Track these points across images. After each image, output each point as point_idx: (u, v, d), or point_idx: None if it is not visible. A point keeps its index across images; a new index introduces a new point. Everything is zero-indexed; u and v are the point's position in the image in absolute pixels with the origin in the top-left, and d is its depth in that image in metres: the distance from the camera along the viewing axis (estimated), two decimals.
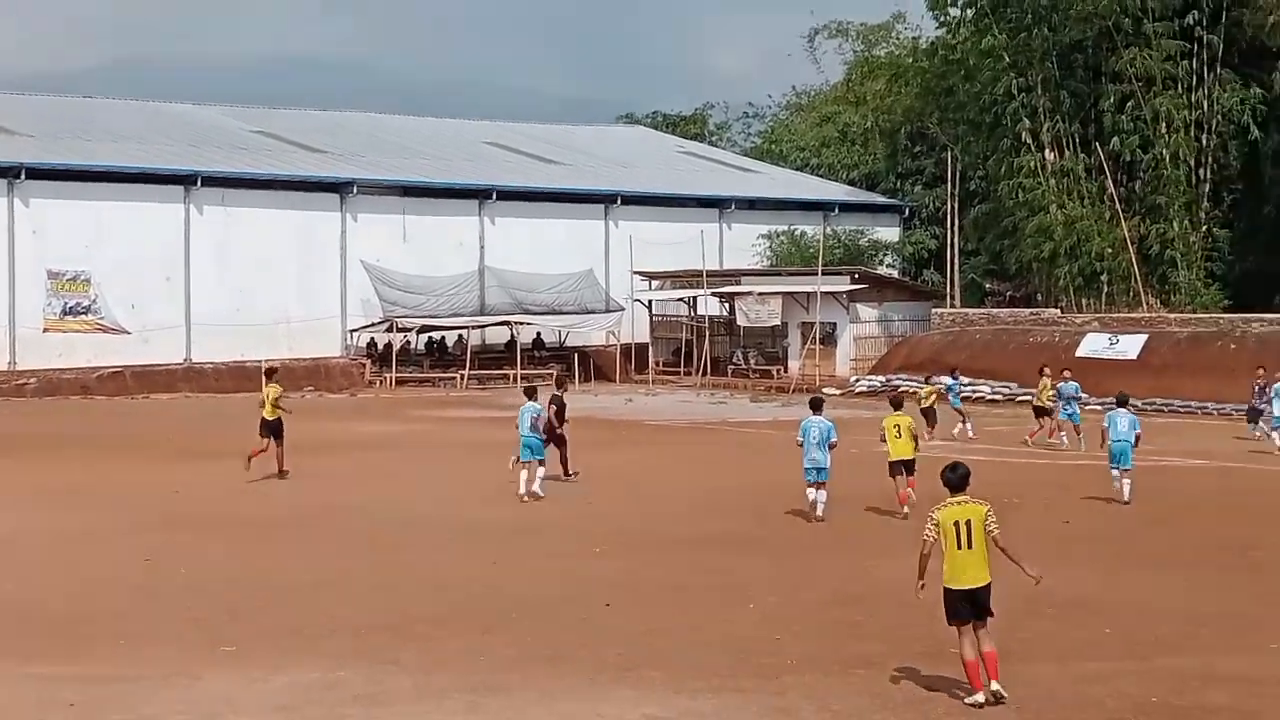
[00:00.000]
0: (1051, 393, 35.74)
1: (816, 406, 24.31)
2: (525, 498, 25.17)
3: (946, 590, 12.92)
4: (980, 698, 12.60)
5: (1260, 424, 36.03)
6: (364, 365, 59.82)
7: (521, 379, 58.12)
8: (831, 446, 23.21)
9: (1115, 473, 25.25)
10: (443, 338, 62.95)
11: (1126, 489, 24.92)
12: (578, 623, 15.76)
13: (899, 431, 24.03)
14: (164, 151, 60.56)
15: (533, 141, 77.10)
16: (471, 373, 58.74)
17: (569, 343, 64.23)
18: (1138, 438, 25.31)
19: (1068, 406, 34.45)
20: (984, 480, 26.61)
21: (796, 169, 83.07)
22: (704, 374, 58.63)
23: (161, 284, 56.72)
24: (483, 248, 63.91)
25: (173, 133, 64.56)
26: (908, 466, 24.03)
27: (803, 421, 23.87)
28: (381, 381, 58.14)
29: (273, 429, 28.81)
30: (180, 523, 23.04)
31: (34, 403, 49.91)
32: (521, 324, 61.77)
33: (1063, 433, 34.45)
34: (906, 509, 23.24)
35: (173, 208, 57.17)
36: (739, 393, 55.11)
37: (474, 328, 61.21)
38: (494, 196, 64.48)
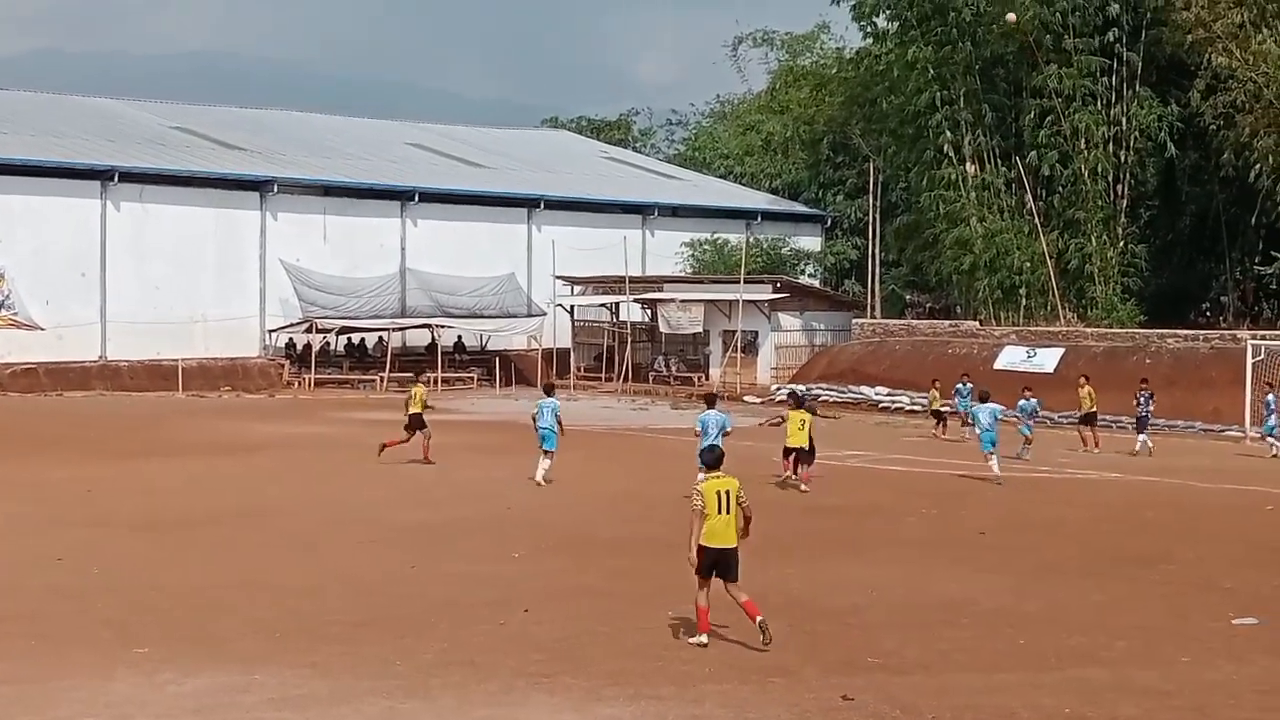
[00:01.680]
0: (941, 402, 40.58)
1: (711, 401, 27.87)
2: (540, 483, 27.69)
3: (703, 548, 14.95)
4: (704, 639, 14.86)
5: (1143, 435, 37.61)
6: (282, 366, 59.38)
7: (441, 382, 58.13)
8: (726, 434, 25.80)
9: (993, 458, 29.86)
10: (363, 339, 62.61)
11: (996, 465, 29.76)
12: (496, 628, 15.70)
13: (801, 424, 28.16)
14: (80, 145, 59.82)
15: (456, 144, 76.91)
16: (391, 375, 58.44)
17: (490, 346, 64.08)
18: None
19: (1026, 421, 35.20)
20: (899, 489, 26.84)
21: (720, 177, 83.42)
22: (626, 380, 58.67)
23: (76, 280, 56.06)
24: (404, 249, 63.65)
25: (90, 127, 63.81)
26: (801, 454, 28.18)
27: (700, 415, 26.93)
28: (300, 382, 57.75)
29: (418, 423, 31.58)
30: (94, 522, 22.74)
31: None
32: (443, 327, 61.56)
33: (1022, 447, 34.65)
34: (805, 486, 27.60)
35: (89, 203, 56.53)
36: (660, 399, 55.20)
37: (394, 330, 60.95)
38: (416, 198, 64.24)
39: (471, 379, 61.17)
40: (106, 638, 15.11)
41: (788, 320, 59.84)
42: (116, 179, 56.94)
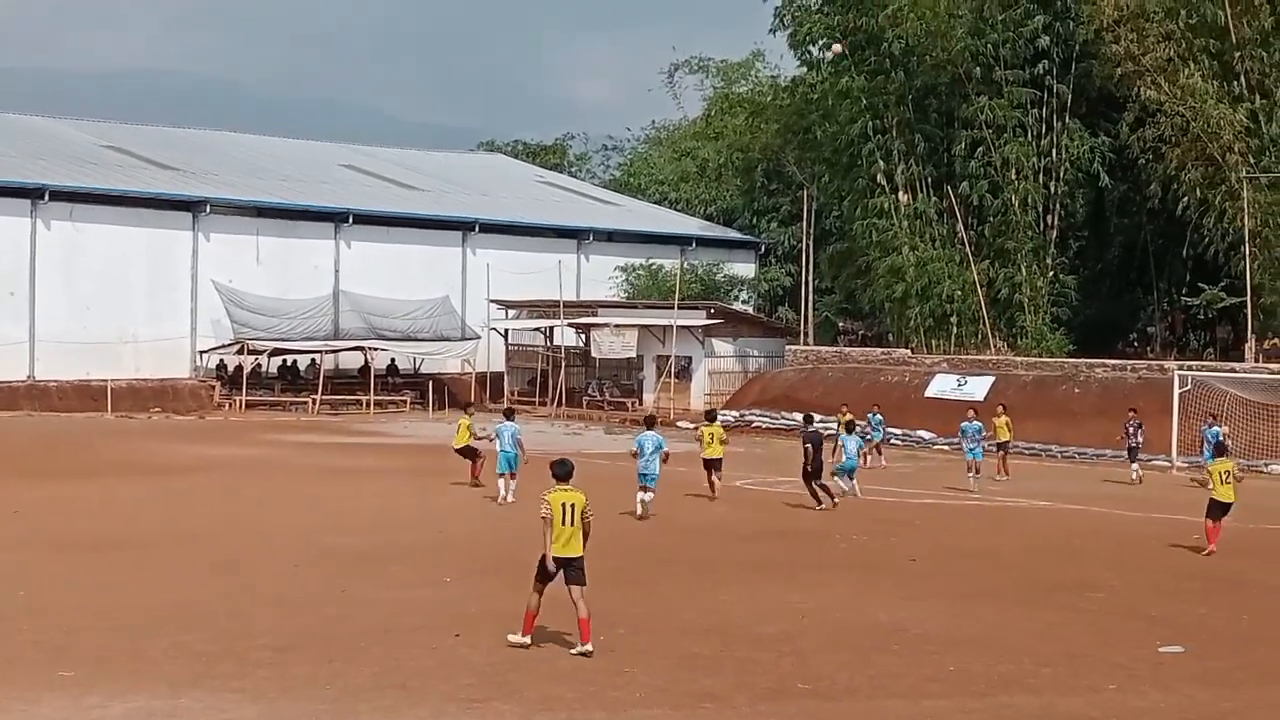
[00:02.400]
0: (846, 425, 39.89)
1: (650, 423, 29.93)
2: (504, 502, 28.78)
3: (546, 556, 15.79)
4: (526, 640, 15.72)
5: (1135, 464, 38.03)
6: (213, 387, 58.95)
7: (374, 405, 57.89)
8: (664, 459, 27.84)
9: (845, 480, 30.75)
10: (295, 361, 62.26)
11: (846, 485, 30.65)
12: (428, 652, 15.62)
13: (712, 438, 30.33)
14: (9, 163, 59.26)
15: (391, 166, 76.78)
16: (324, 397, 58.16)
17: (424, 370, 63.90)
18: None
19: (970, 444, 35.06)
20: (831, 515, 26.95)
21: (655, 202, 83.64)
22: (559, 404, 58.63)
23: (4, 299, 55.58)
24: (338, 271, 63.41)
25: (19, 144, 63.23)
26: (715, 465, 30.26)
27: (638, 435, 28.56)
28: (231, 404, 57.37)
29: (470, 454, 32.01)
30: (20, 544, 22.47)
31: None
32: (376, 350, 61.32)
33: (971, 473, 34.68)
34: (715, 494, 30.02)
35: (18, 221, 56.02)
36: (594, 424, 55.19)
37: (327, 352, 60.67)
38: (350, 220, 64.04)
39: (404, 402, 60.95)
40: (32, 660, 14.93)
41: (721, 346, 60.01)
42: (47, 197, 56.44)
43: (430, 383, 60.87)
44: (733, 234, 77.84)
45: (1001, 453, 37.97)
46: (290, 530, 24.89)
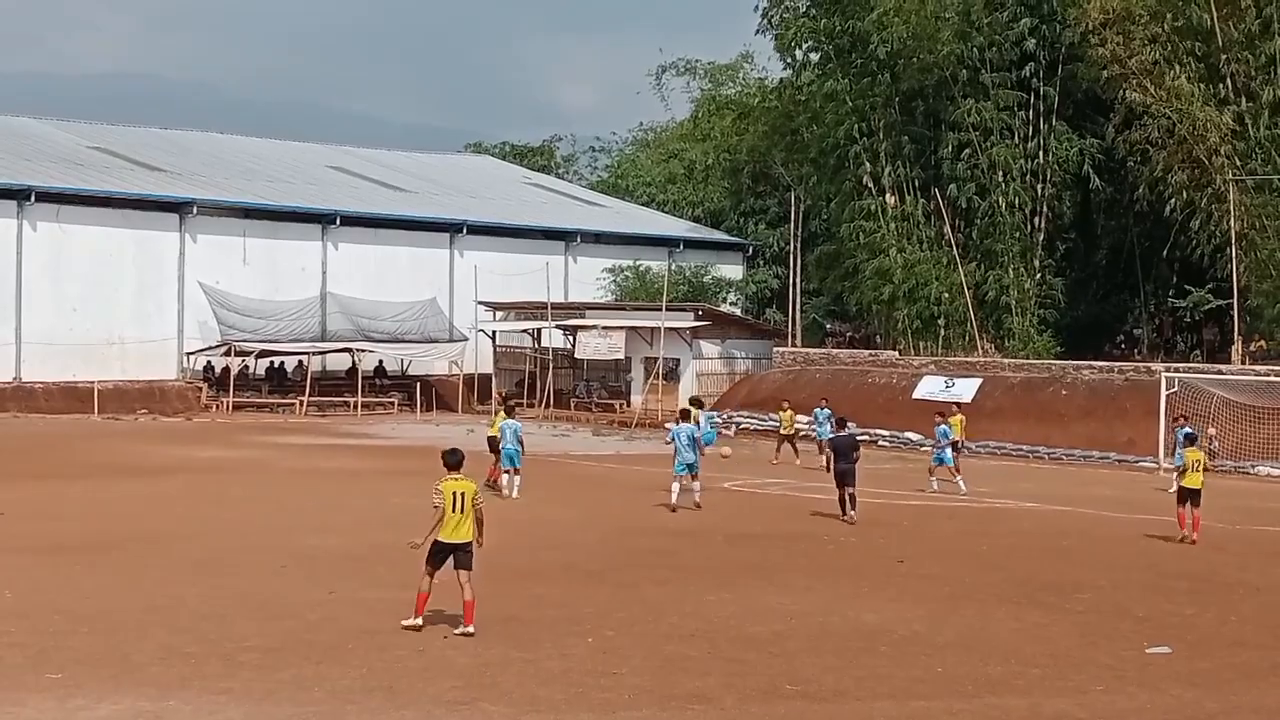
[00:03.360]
0: (789, 426, 41.04)
1: (685, 416, 30.52)
2: (507, 497, 29.69)
3: (437, 542, 16.52)
4: (419, 621, 16.50)
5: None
6: (200, 389, 58.85)
7: (362, 407, 57.83)
8: (703, 447, 29.40)
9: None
10: (282, 363, 62.16)
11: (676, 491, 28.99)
12: (414, 654, 15.60)
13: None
14: None
15: (378, 167, 76.70)
16: (311, 399, 58.09)
17: (411, 371, 63.86)
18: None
19: (944, 448, 34.38)
20: (819, 517, 26.94)
21: (642, 204, 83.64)
22: (547, 406, 58.59)
23: None
24: (325, 273, 63.32)
25: (6, 145, 63.08)
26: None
27: (674, 428, 29.42)
28: (218, 406, 57.27)
29: (496, 446, 31.38)
30: (5, 546, 22.40)
31: None
32: (363, 351, 61.24)
33: (932, 478, 34.24)
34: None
35: (4, 222, 55.94)
36: (581, 425, 55.17)
37: (314, 354, 60.60)
38: (338, 221, 63.96)
39: (392, 404, 60.88)
40: (18, 663, 14.88)
41: (709, 348, 60.01)
42: (33, 199, 56.32)
43: (418, 384, 60.80)
44: (720, 236, 77.86)
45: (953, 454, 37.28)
46: (276, 532, 24.85)
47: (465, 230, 67.78)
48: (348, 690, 14.04)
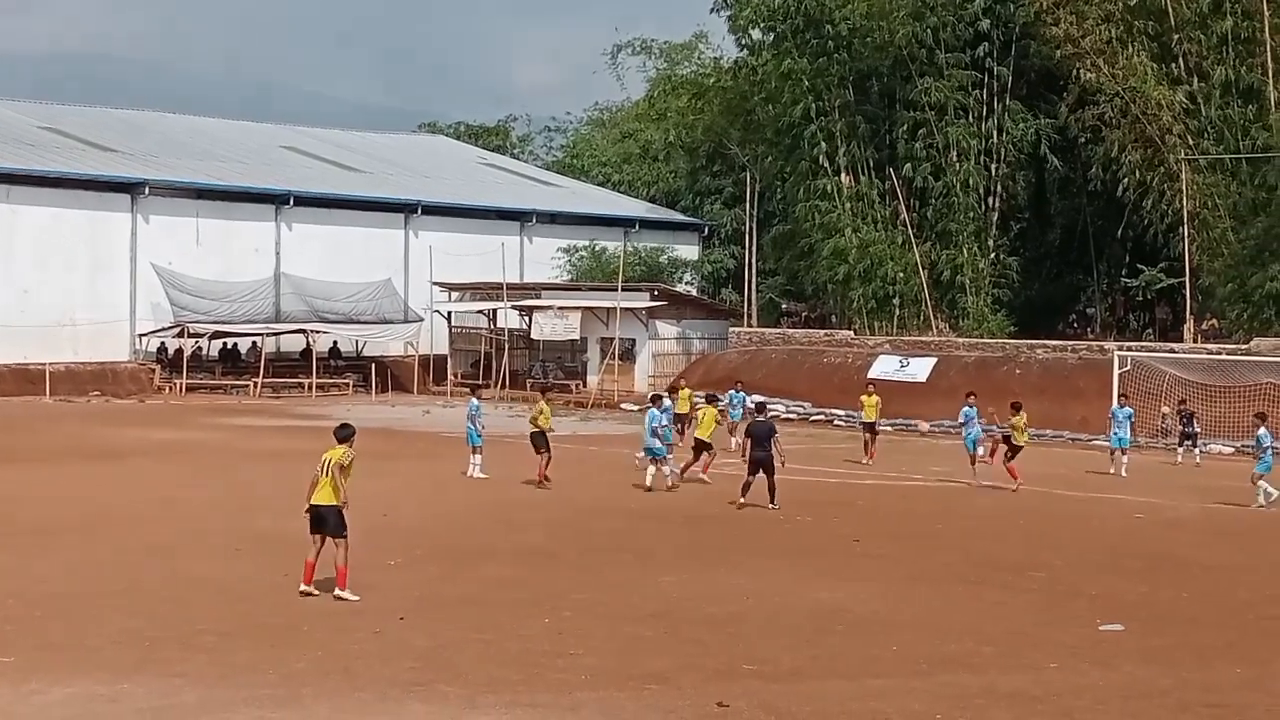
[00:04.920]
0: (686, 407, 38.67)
1: (656, 401, 31.23)
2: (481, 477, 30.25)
3: (310, 506, 17.47)
4: (310, 590, 17.33)
5: (1196, 450, 38.82)
6: (153, 370, 58.46)
7: (316, 388, 57.59)
8: (656, 434, 29.32)
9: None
10: (236, 344, 61.81)
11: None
12: (371, 636, 15.57)
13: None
14: None
15: (332, 147, 76.31)
16: (265, 381, 57.80)
17: (366, 352, 63.59)
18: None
19: (969, 429, 32.97)
20: (780, 498, 27.01)
21: (598, 184, 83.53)
22: (503, 387, 58.47)
23: None
24: (279, 254, 62.99)
25: None
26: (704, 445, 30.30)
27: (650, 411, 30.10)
28: (171, 388, 56.93)
29: (542, 441, 30.00)
30: None
31: None
32: (318, 332, 60.95)
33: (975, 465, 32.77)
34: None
35: None
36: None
37: (269, 335, 60.30)
38: (291, 202, 63.60)
39: (347, 385, 60.64)
40: None
41: (665, 328, 59.98)
42: None
43: (373, 365, 60.57)
44: (676, 216, 77.83)
45: (869, 435, 37.02)
46: (231, 514, 24.74)
47: (420, 210, 67.52)
48: (304, 672, 14.01)
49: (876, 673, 14.61)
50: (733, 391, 40.57)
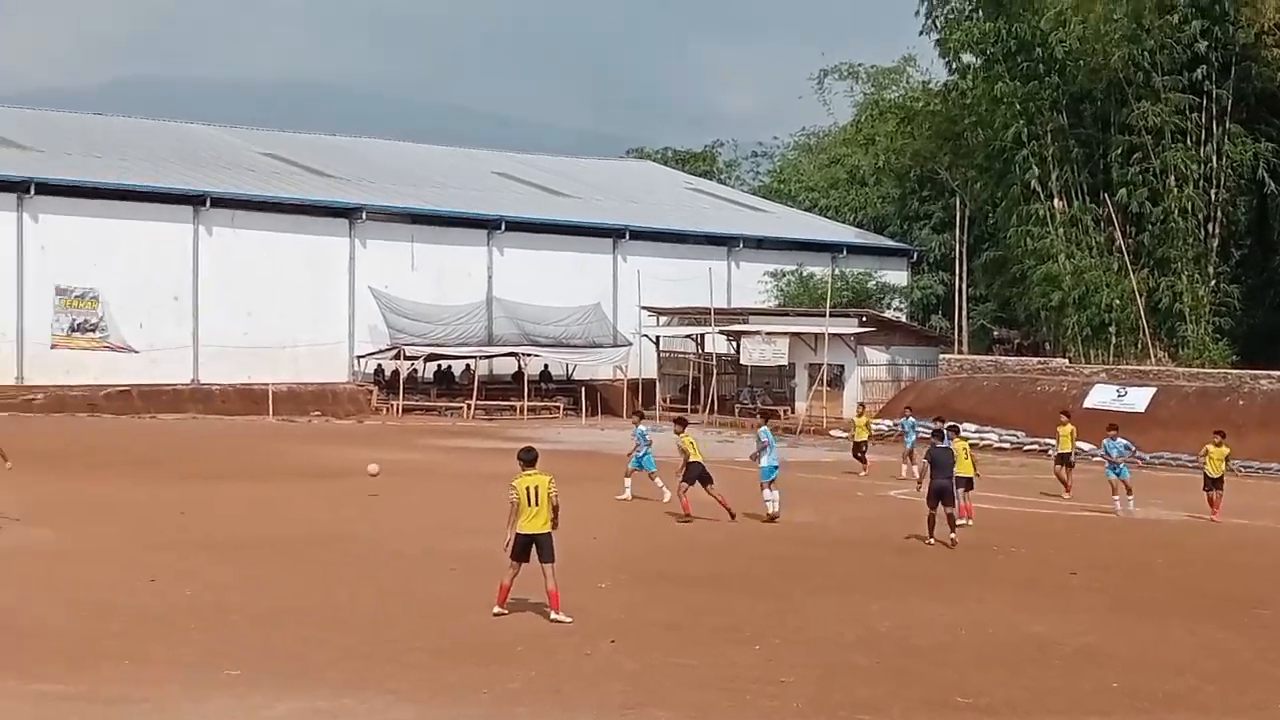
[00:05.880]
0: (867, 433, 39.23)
1: (766, 418, 31.84)
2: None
3: (518, 535, 17.46)
4: (504, 611, 17.62)
5: None
6: (371, 392, 59.86)
7: (528, 411, 58.37)
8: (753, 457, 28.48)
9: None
10: (450, 367, 63.02)
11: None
12: (582, 658, 15.71)
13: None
14: (173, 171, 60.78)
15: (542, 173, 77.36)
16: (478, 403, 58.76)
17: (576, 376, 64.30)
18: None
19: (1117, 463, 31.84)
20: (987, 527, 26.60)
21: (805, 209, 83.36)
22: (711, 412, 58.59)
23: (169, 303, 56.90)
24: (491, 278, 64.09)
25: (183, 153, 64.80)
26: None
27: (762, 428, 28.94)
28: (388, 409, 58.22)
29: (698, 473, 28.36)
30: (185, 544, 23.00)
31: (41, 419, 49.93)
32: (529, 355, 61.84)
33: (1116, 497, 31.90)
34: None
35: (181, 227, 57.42)
36: (745, 432, 54.95)
37: (481, 358, 61.31)
38: (503, 227, 64.68)
39: (558, 408, 61.36)
40: (197, 660, 15.25)
41: (874, 354, 59.58)
42: (208, 204, 57.81)
43: (583, 389, 61.23)
44: (884, 241, 77.30)
45: (1064, 467, 35.01)
46: (445, 534, 25.15)
47: (628, 235, 68.12)
48: (517, 693, 14.18)
49: (1095, 709, 14.29)
50: (903, 419, 40.15)
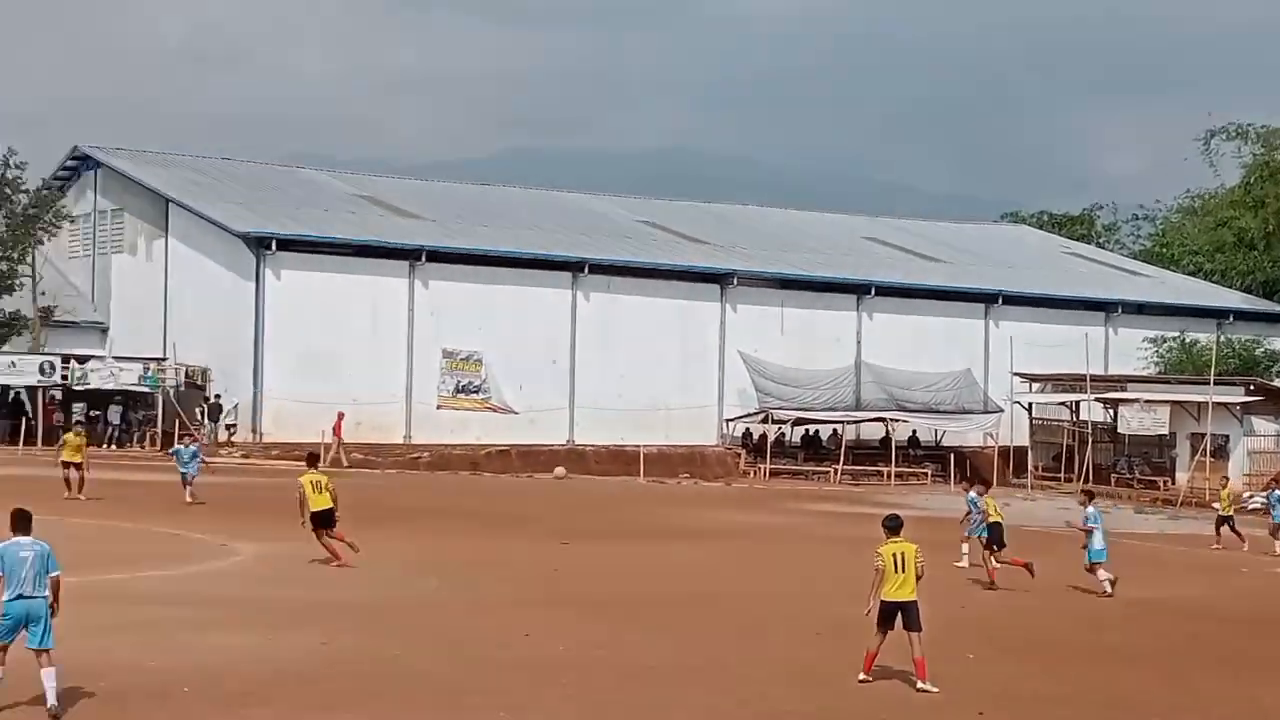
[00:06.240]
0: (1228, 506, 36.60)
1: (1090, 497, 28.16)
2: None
3: (883, 602, 17.40)
4: (869, 678, 17.40)
5: None
6: (739, 455, 60.42)
7: (895, 477, 57.90)
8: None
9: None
10: (817, 431, 63.10)
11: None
12: None
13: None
14: (554, 238, 62.79)
15: (912, 237, 76.89)
16: (845, 468, 58.59)
17: (945, 442, 63.49)
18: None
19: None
20: None
21: (1188, 274, 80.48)
22: (1085, 481, 56.89)
23: (548, 366, 58.67)
24: (859, 343, 63.95)
25: (563, 220, 66.87)
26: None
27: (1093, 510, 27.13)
28: (755, 472, 58.61)
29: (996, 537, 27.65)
30: (556, 600, 23.58)
31: (425, 475, 52.12)
32: (897, 421, 61.38)
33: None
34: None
35: (560, 292, 59.22)
36: (1122, 503, 53.23)
37: (848, 423, 61.17)
38: (872, 292, 64.53)
39: (925, 475, 60.66)
40: (572, 714, 15.62)
41: (1262, 424, 56.86)
42: (586, 270, 59.52)
43: (951, 456, 60.39)
44: (1274, 307, 73.93)
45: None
46: (812, 598, 25.10)
47: (1001, 300, 67.03)
48: None
49: None
50: (1275, 490, 37.88)
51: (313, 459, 28.43)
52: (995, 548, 27.41)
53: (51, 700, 14.12)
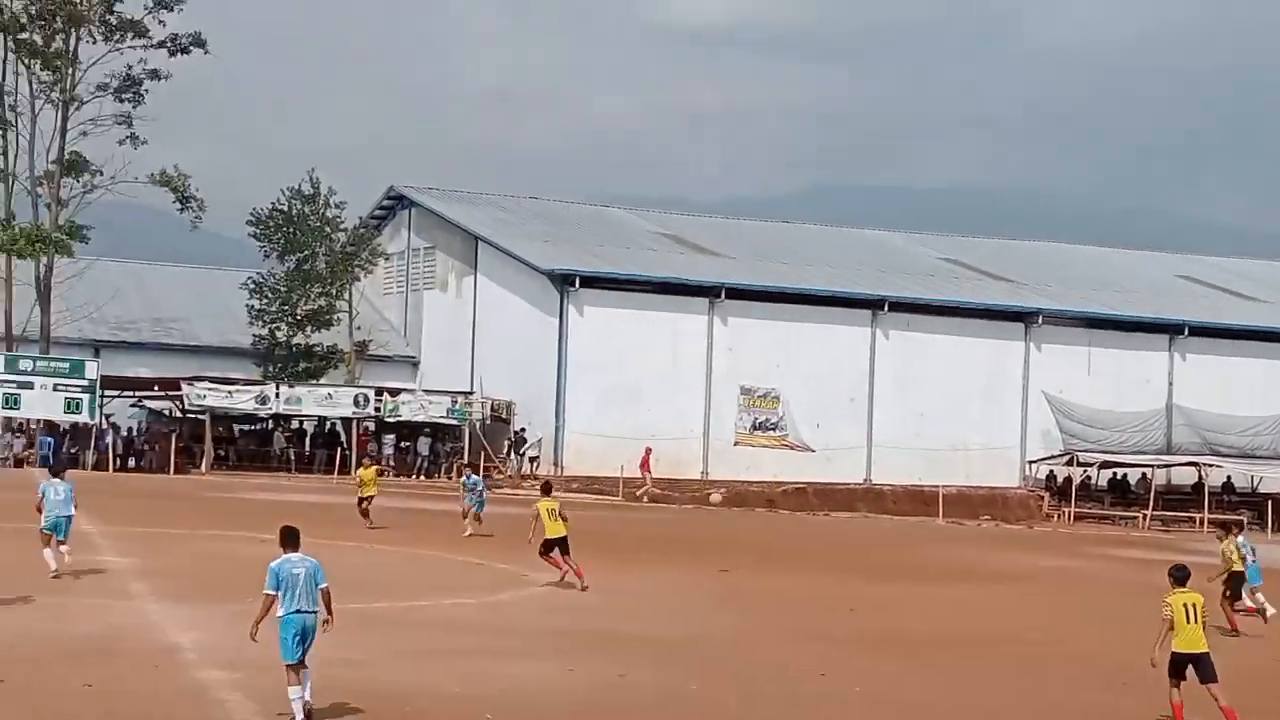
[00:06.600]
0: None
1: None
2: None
3: (1175, 654, 16.90)
4: None
5: None
6: (1042, 498, 59.07)
7: (1209, 524, 55.73)
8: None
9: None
10: (1125, 475, 61.30)
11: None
12: None
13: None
14: (854, 276, 62.60)
15: (1229, 276, 74.22)
16: (1154, 513, 56.71)
17: (1262, 489, 60.92)
18: None
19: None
20: None
21: None
22: None
23: (845, 404, 58.44)
24: (1171, 385, 61.92)
25: (863, 258, 66.64)
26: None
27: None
28: (1059, 515, 57.20)
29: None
30: (852, 640, 23.39)
31: (720, 512, 52.34)
32: (1211, 466, 59.18)
33: None
34: None
35: (859, 330, 58.97)
36: None
37: (1159, 467, 59.27)
38: (1185, 332, 62.47)
39: (1240, 522, 58.14)
40: None
41: None
42: (886, 308, 59.09)
43: (1269, 502, 57.86)
44: None
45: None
46: (1104, 644, 24.29)
47: None
48: None
49: None
50: None
51: (546, 488, 29.96)
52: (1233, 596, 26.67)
53: (307, 700, 14.59)
